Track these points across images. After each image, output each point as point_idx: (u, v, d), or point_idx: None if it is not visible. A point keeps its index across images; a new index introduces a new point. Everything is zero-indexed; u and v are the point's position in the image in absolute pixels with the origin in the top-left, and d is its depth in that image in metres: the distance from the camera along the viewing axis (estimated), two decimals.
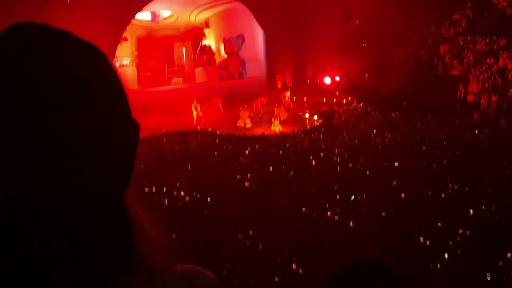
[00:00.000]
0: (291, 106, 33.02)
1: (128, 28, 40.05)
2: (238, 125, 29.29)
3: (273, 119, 29.18)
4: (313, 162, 21.00)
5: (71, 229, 1.00)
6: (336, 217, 15.04)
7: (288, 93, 34.08)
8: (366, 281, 1.92)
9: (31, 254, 0.98)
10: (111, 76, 1.11)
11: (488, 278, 10.49)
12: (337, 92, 36.72)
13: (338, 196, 16.71)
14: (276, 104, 30.99)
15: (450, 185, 16.90)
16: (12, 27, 1.06)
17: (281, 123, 29.20)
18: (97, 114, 1.03)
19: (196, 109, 31.56)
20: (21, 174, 0.97)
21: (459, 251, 12.47)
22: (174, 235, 13.41)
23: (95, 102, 1.03)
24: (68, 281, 1.00)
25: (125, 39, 44.00)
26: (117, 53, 40.74)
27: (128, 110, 1.14)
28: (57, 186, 0.98)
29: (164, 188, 18.47)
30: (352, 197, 16.32)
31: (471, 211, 14.71)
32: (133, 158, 1.14)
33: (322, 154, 21.89)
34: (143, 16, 44.79)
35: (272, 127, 28.61)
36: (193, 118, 31.47)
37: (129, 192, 1.19)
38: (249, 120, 29.95)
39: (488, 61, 32.03)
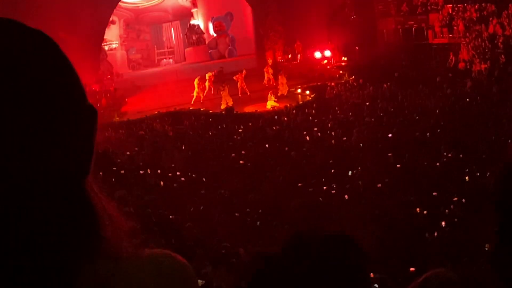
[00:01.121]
0: (272, 82, 32.83)
1: (115, 11, 39.79)
2: (222, 107, 29.15)
3: (270, 94, 29.09)
4: (307, 137, 21.03)
5: (32, 216, 1.00)
6: (333, 191, 15.08)
7: (270, 69, 33.92)
8: (327, 251, 1.92)
9: None
10: (60, 62, 1.10)
11: (486, 248, 10.53)
12: (328, 66, 36.65)
13: (333, 170, 16.75)
14: (279, 78, 30.98)
15: (445, 153, 16.94)
16: None
17: (280, 98, 29.19)
18: (46, 101, 1.02)
19: (197, 86, 31.29)
20: None
21: (455, 219, 12.53)
22: (171, 216, 13.48)
23: (43, 89, 1.02)
24: (30, 269, 0.99)
25: (113, 22, 43.76)
26: (106, 36, 40.53)
27: (83, 96, 1.12)
28: (13, 174, 0.97)
29: (159, 170, 18.48)
30: (350, 173, 16.35)
31: (467, 178, 14.76)
32: (91, 143, 1.12)
33: (315, 129, 21.90)
34: None
35: (268, 103, 28.54)
36: (190, 97, 31.26)
37: (92, 179, 1.17)
38: (231, 99, 29.77)
39: (478, 28, 31.93)
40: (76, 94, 1.10)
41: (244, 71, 32.28)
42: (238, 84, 31.49)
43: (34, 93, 1.01)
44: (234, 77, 31.64)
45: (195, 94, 31.00)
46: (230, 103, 29.34)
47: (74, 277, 1.04)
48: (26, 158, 0.98)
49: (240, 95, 30.75)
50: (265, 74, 33.35)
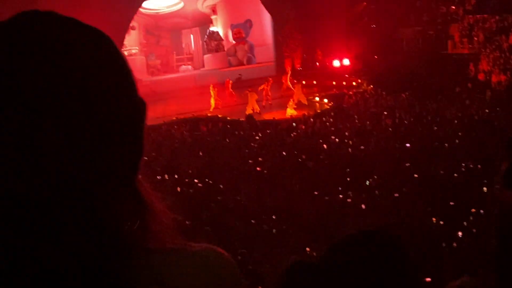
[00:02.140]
0: (289, 90, 32.81)
1: (135, 16, 40.04)
2: (247, 112, 29.21)
3: (291, 101, 29.09)
4: (324, 145, 20.99)
5: (86, 209, 1.02)
6: (349, 200, 15.03)
7: (288, 77, 33.94)
8: (371, 250, 1.86)
9: (47, 233, 1.00)
10: (118, 59, 1.14)
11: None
12: (347, 75, 36.61)
13: (350, 178, 16.70)
14: (295, 87, 30.98)
15: (463, 164, 16.84)
16: (17, 15, 1.09)
17: (298, 106, 29.22)
18: (105, 96, 1.06)
19: (214, 93, 31.36)
20: (32, 159, 0.99)
21: (474, 230, 12.44)
22: (187, 221, 13.49)
23: (101, 83, 1.06)
24: (82, 261, 1.02)
25: (133, 28, 44.02)
26: (125, 42, 40.78)
27: (135, 89, 1.17)
28: (69, 166, 1.00)
29: (176, 175, 18.52)
30: (368, 182, 16.28)
31: (485, 189, 14.65)
32: (142, 136, 1.17)
33: (333, 137, 21.86)
34: (150, 4, 44.73)
35: (288, 111, 28.56)
36: (208, 103, 31.35)
37: (139, 174, 1.21)
38: (257, 105, 29.87)
39: (498, 39, 31.77)
40: (130, 87, 1.14)
41: (270, 80, 32.36)
42: (264, 92, 31.53)
43: (92, 86, 1.04)
44: (260, 87, 31.61)
45: (212, 101, 31.04)
46: (257, 110, 29.38)
47: (126, 270, 1.07)
48: (82, 151, 1.01)
49: (264, 104, 30.77)
50: (283, 82, 33.36)
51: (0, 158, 0.98)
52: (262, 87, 31.76)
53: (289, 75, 34.87)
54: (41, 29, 1.06)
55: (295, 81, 32.57)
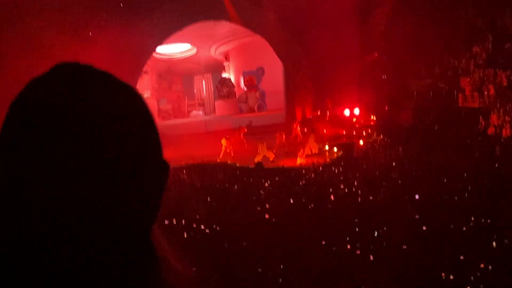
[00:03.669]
0: (299, 139, 32.87)
1: (148, 61, 40.45)
2: (256, 160, 29.25)
3: (301, 151, 29.12)
4: (333, 194, 20.93)
5: (101, 259, 1.03)
6: (358, 252, 14.91)
7: (298, 126, 34.02)
8: None
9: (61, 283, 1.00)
10: (146, 117, 1.16)
11: None
12: (357, 125, 36.69)
13: (358, 229, 16.61)
14: (308, 137, 31.03)
15: (472, 218, 16.72)
16: (56, 66, 1.11)
17: (309, 155, 29.24)
18: (131, 153, 1.07)
19: (226, 143, 31.41)
20: (57, 206, 1.00)
21: (482, 286, 12.30)
22: (193, 268, 13.42)
23: (130, 141, 1.07)
24: None
25: (146, 72, 44.43)
26: (138, 86, 41.11)
27: (160, 151, 1.18)
28: (89, 218, 1.01)
29: (183, 221, 18.47)
30: (376, 233, 16.18)
31: (494, 244, 14.53)
32: (161, 195, 1.18)
33: (342, 186, 21.81)
34: (163, 49, 45.21)
35: (298, 160, 28.57)
36: (218, 150, 31.43)
37: (155, 227, 1.23)
38: (271, 153, 29.89)
39: (508, 93, 31.84)
40: (156, 148, 1.16)
41: (298, 124, 32.71)
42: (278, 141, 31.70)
43: (119, 144, 1.06)
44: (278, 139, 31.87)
45: (223, 149, 31.09)
46: (271, 158, 29.36)
47: None
48: (101, 205, 1.02)
49: (275, 151, 30.80)
50: (293, 131, 33.45)
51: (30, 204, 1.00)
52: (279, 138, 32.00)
53: (298, 123, 34.96)
54: (79, 83, 1.08)
55: (305, 129, 32.65)
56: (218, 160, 30.05)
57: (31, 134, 1.01)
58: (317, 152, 30.32)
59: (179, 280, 1.23)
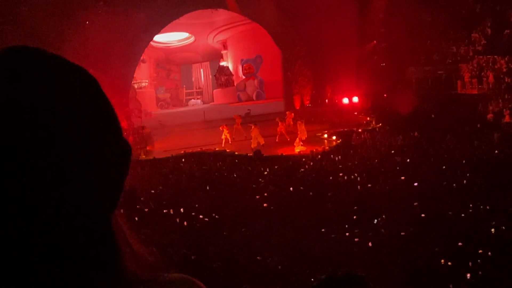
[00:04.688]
0: (291, 127, 32.73)
1: (146, 50, 40.37)
2: (252, 146, 29.33)
3: (297, 140, 29.14)
4: (332, 182, 20.94)
5: (57, 244, 1.02)
6: (357, 239, 14.93)
7: (292, 114, 33.90)
8: None
9: (20, 271, 1.00)
10: (100, 99, 1.14)
11: None
12: (356, 112, 36.66)
13: (357, 216, 16.62)
14: (298, 124, 30.98)
15: (471, 205, 16.74)
16: (4, 50, 1.09)
17: (305, 143, 29.24)
18: (84, 136, 1.06)
19: (226, 132, 31.36)
20: (13, 193, 0.99)
21: (480, 272, 12.32)
22: (193, 256, 13.44)
23: (82, 124, 1.06)
24: None
25: (143, 61, 44.34)
26: (136, 75, 41.03)
27: (119, 132, 1.16)
28: (44, 203, 1.00)
29: (182, 209, 18.49)
30: (375, 221, 16.20)
31: (492, 230, 14.55)
32: (122, 180, 1.16)
33: (341, 174, 21.81)
34: (161, 38, 45.10)
35: (296, 148, 28.59)
36: (216, 138, 31.40)
37: (118, 212, 1.21)
38: (261, 138, 29.99)
39: (507, 80, 31.85)
40: (112, 132, 1.13)
41: (292, 113, 32.73)
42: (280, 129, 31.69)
43: (73, 127, 1.04)
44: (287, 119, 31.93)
45: (223, 136, 31.04)
46: (262, 142, 29.48)
47: None
48: (58, 188, 1.01)
49: (277, 140, 30.81)
50: (286, 119, 33.29)
51: None
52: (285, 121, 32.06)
53: (291, 111, 34.75)
54: (27, 66, 1.06)
55: (299, 118, 32.57)
56: (217, 148, 30.02)
57: None
58: (303, 139, 30.04)
59: (142, 266, 1.22)
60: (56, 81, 1.07)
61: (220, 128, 31.52)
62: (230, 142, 30.91)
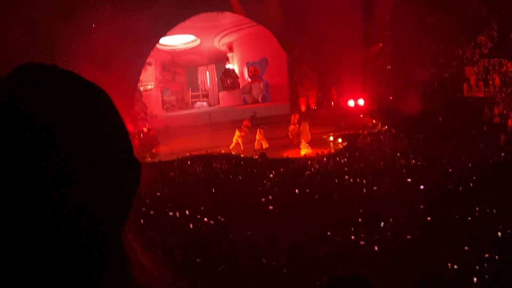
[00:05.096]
0: (296, 129, 32.65)
1: (152, 53, 40.41)
2: (256, 147, 29.42)
3: (303, 142, 29.13)
4: (338, 185, 20.91)
5: (70, 259, 1.02)
6: (362, 243, 14.89)
7: (297, 116, 33.76)
8: None
9: (30, 280, 1.00)
10: (113, 118, 1.14)
11: None
12: (361, 115, 36.63)
13: (363, 219, 16.58)
14: (302, 125, 30.96)
15: (477, 208, 16.69)
16: (20, 67, 1.09)
17: (312, 145, 29.27)
18: (97, 154, 1.05)
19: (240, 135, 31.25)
20: (25, 209, 0.98)
21: (486, 276, 12.27)
22: (198, 259, 13.42)
23: (97, 142, 1.06)
24: None
25: (150, 64, 44.38)
26: (142, 77, 41.07)
27: (130, 150, 1.16)
28: (56, 218, 0.99)
29: (187, 211, 18.50)
30: (382, 224, 16.14)
31: (499, 234, 14.49)
32: (133, 196, 1.15)
33: (346, 177, 21.78)
34: (167, 41, 45.14)
35: (302, 150, 28.60)
36: (222, 141, 31.37)
37: (128, 229, 1.21)
38: (265, 141, 30.04)
39: None
40: (125, 148, 1.13)
41: (297, 115, 32.68)
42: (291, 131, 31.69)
43: (86, 145, 1.04)
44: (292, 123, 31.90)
45: (234, 140, 30.91)
46: (266, 146, 29.51)
47: None
48: (70, 203, 1.00)
49: (291, 137, 30.85)
50: (291, 121, 33.24)
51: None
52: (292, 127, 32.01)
53: (296, 114, 34.61)
54: (43, 84, 1.06)
55: (301, 121, 32.49)
56: (222, 151, 30.02)
57: None
58: (306, 141, 29.99)
59: (150, 280, 1.21)
60: (70, 99, 1.07)
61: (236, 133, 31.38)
62: (242, 148, 30.68)
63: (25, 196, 0.98)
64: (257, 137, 30.16)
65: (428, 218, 16.17)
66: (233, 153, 29.63)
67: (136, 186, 1.17)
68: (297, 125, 32.42)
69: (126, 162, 1.14)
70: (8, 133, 1.00)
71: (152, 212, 18.04)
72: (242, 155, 28.89)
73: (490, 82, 34.12)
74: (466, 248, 13.69)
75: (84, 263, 1.03)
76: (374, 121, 35.06)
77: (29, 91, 1.04)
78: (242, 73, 47.86)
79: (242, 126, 31.73)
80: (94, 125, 1.07)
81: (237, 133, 31.15)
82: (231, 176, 24.06)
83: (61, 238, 1.00)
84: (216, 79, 50.79)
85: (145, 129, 35.14)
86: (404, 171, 22.20)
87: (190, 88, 51.82)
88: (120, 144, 1.13)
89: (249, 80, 46.53)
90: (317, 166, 24.69)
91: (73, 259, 1.02)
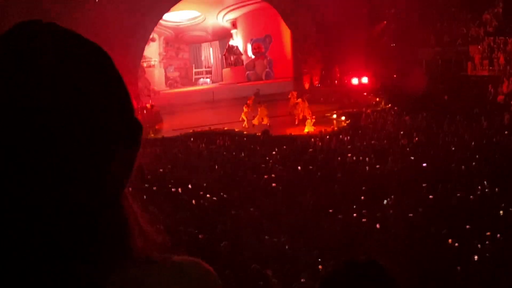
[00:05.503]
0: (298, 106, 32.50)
1: (155, 28, 40.23)
2: (254, 122, 29.56)
3: (308, 120, 29.10)
4: (340, 163, 20.92)
5: (68, 222, 1.03)
6: (364, 220, 14.92)
7: (295, 93, 33.55)
8: (360, 282, 1.98)
9: (28, 244, 1.01)
10: (114, 77, 1.14)
11: None
12: (365, 93, 36.56)
13: (365, 197, 16.60)
14: (299, 104, 30.96)
15: (479, 187, 16.70)
16: (18, 25, 1.09)
17: (300, 122, 29.31)
18: (96, 113, 1.05)
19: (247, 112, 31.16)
20: (22, 168, 0.99)
21: (488, 254, 12.31)
22: (200, 235, 13.47)
23: (97, 101, 1.05)
24: (63, 272, 1.03)
25: (153, 40, 44.19)
26: (145, 53, 40.93)
27: (131, 111, 1.16)
28: (55, 178, 1.00)
29: (190, 185, 18.55)
30: (385, 202, 16.16)
31: (501, 212, 14.51)
32: (133, 158, 1.16)
33: (349, 155, 21.79)
34: (170, 17, 44.92)
35: (306, 128, 28.61)
36: (225, 117, 31.40)
37: (128, 190, 1.21)
38: (267, 119, 30.10)
39: None
40: (124, 109, 1.13)
41: (295, 92, 32.64)
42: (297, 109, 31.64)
43: (86, 103, 1.04)
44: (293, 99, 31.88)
45: (244, 117, 30.83)
46: (266, 121, 29.54)
47: (104, 281, 1.09)
48: (70, 164, 1.01)
49: (297, 123, 30.78)
50: (290, 98, 33.15)
51: None
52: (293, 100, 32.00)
53: (295, 91, 34.38)
54: (40, 41, 1.06)
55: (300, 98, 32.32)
56: (225, 128, 30.03)
57: None
58: (308, 118, 29.89)
59: (150, 245, 1.22)
60: (70, 58, 1.06)
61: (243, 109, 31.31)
62: (246, 126, 30.60)
63: (23, 154, 0.99)
64: (259, 113, 30.18)
65: (430, 196, 16.19)
66: (236, 129, 29.60)
67: (136, 147, 1.17)
68: (296, 102, 32.34)
69: (126, 123, 1.14)
70: (8, 91, 1.00)
71: (154, 188, 18.07)
72: (245, 132, 28.91)
73: (495, 60, 33.96)
74: (467, 226, 13.72)
75: (84, 225, 1.04)
76: (377, 99, 35.02)
77: (28, 48, 1.04)
78: (245, 50, 47.70)
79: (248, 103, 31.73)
80: (95, 84, 1.07)
81: (244, 109, 31.12)
82: (234, 153, 24.07)
83: (58, 197, 1.01)
84: (220, 55, 50.60)
85: (148, 105, 35.11)
86: (407, 149, 22.20)
87: (193, 65, 51.64)
88: (120, 104, 1.13)
89: (253, 57, 46.40)
90: (320, 144, 24.70)
91: (72, 220, 1.02)
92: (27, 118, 0.98)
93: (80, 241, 1.04)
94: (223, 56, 49.13)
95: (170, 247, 1.30)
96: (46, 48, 1.05)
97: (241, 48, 48.29)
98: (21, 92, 0.97)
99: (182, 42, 51.28)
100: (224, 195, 17.72)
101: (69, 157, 0.99)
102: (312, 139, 25.79)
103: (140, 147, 1.18)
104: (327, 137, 26.11)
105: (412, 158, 20.58)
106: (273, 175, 19.61)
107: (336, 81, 39.16)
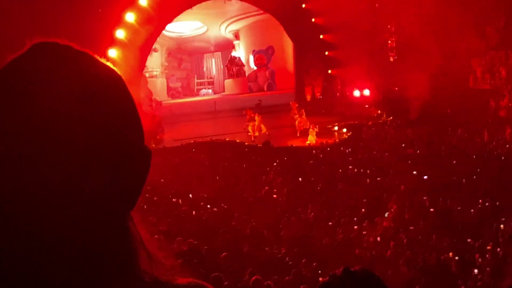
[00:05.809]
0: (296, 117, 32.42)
1: (158, 39, 40.27)
2: (257, 133, 29.59)
3: (310, 130, 29.05)
4: (342, 175, 20.91)
5: (75, 241, 1.03)
6: (364, 232, 14.90)
7: (296, 105, 33.45)
8: None
9: (38, 270, 1.01)
10: (126, 102, 1.14)
11: None
12: (367, 105, 36.55)
13: (366, 209, 16.59)
14: (299, 115, 30.94)
15: (480, 200, 16.68)
16: (35, 45, 1.09)
17: (301, 134, 29.31)
18: (108, 138, 1.05)
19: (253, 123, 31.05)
20: (32, 190, 0.99)
21: (488, 268, 12.28)
22: (200, 246, 13.44)
23: (109, 125, 1.05)
24: None
25: (155, 50, 44.22)
26: (147, 63, 40.93)
27: (141, 137, 1.16)
28: (64, 203, 1.00)
29: (191, 195, 18.53)
30: (386, 214, 16.14)
31: (502, 226, 14.49)
32: (142, 182, 1.16)
33: (350, 167, 21.78)
34: (173, 27, 44.97)
35: (309, 138, 28.55)
36: (227, 128, 31.37)
37: (134, 215, 1.21)
38: (263, 126, 30.06)
39: None
40: (136, 134, 1.13)
41: (295, 103, 32.57)
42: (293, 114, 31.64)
43: (97, 128, 1.04)
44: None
45: (251, 130, 30.72)
46: (264, 130, 29.53)
47: None
48: (79, 188, 1.01)
49: (298, 134, 30.73)
50: (291, 110, 33.09)
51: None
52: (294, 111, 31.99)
53: (295, 103, 34.28)
54: (57, 63, 1.06)
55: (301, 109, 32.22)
56: (227, 139, 30.02)
57: (10, 112, 1.00)
58: (306, 128, 29.82)
59: (159, 269, 1.22)
60: (85, 81, 1.06)
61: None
62: (253, 139, 30.45)
63: (36, 178, 0.99)
64: (256, 122, 30.11)
65: (431, 209, 16.17)
66: (237, 140, 29.58)
67: (145, 174, 1.17)
68: (297, 114, 32.28)
69: (136, 148, 1.14)
70: (23, 113, 1.01)
71: (155, 199, 18.06)
72: (246, 143, 28.89)
73: (496, 74, 33.96)
74: (468, 240, 13.70)
75: (91, 246, 1.04)
76: (379, 112, 34.98)
77: (43, 71, 1.05)
78: (248, 61, 47.74)
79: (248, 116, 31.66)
80: (108, 110, 1.07)
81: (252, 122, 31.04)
82: (235, 164, 24.07)
83: (68, 224, 1.01)
84: (222, 66, 50.64)
85: (150, 115, 35.04)
86: (408, 162, 22.18)
87: (195, 75, 51.69)
88: (132, 129, 1.13)
89: (255, 68, 46.44)
90: (321, 156, 24.69)
91: (80, 242, 1.02)
92: (41, 140, 0.98)
93: (85, 260, 1.04)
94: (225, 67, 49.14)
95: (174, 267, 1.30)
96: (60, 69, 1.06)
97: (243, 59, 48.32)
98: (35, 116, 0.97)
99: (185, 53, 51.35)
100: (225, 206, 17.71)
101: (78, 183, 0.99)
102: (313, 151, 25.78)
103: (148, 171, 1.19)
104: (328, 149, 26.11)
105: (414, 171, 20.55)
106: (274, 187, 19.60)
107: (337, 93, 39.16)
